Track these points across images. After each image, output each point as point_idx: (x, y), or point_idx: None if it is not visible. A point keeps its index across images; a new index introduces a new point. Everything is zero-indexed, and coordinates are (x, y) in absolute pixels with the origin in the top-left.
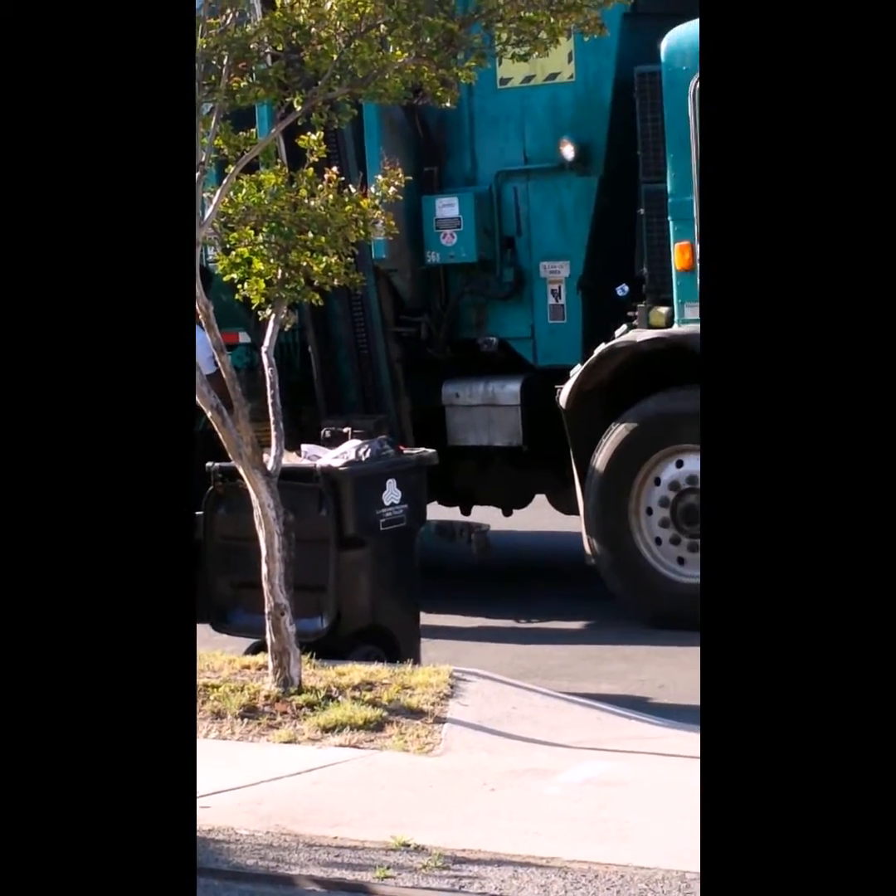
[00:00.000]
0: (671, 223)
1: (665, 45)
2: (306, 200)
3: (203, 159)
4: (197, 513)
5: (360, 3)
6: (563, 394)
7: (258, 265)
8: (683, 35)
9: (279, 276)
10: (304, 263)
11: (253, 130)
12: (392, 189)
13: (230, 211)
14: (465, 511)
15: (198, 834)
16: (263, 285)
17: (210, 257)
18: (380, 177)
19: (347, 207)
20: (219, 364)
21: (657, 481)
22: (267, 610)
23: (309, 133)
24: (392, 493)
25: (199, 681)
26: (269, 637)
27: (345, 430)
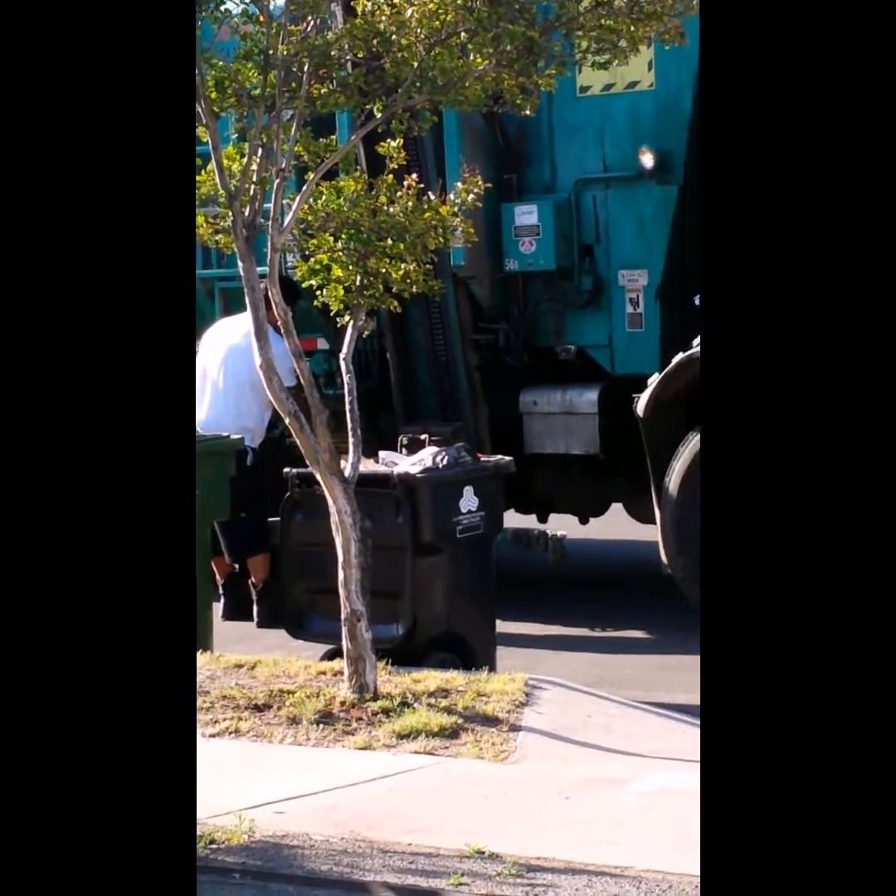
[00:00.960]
0: None
1: None
2: (385, 207)
3: (283, 166)
4: (273, 519)
5: (440, 11)
6: (641, 402)
7: (337, 272)
8: None
9: (358, 283)
10: (383, 270)
11: (333, 137)
12: (471, 196)
13: (309, 217)
14: (542, 519)
15: (272, 839)
16: (342, 292)
17: (289, 264)
18: (459, 184)
19: (426, 214)
20: (298, 371)
21: None
22: (343, 616)
23: (389, 140)
24: (469, 501)
25: (276, 686)
26: (345, 643)
27: (422, 437)
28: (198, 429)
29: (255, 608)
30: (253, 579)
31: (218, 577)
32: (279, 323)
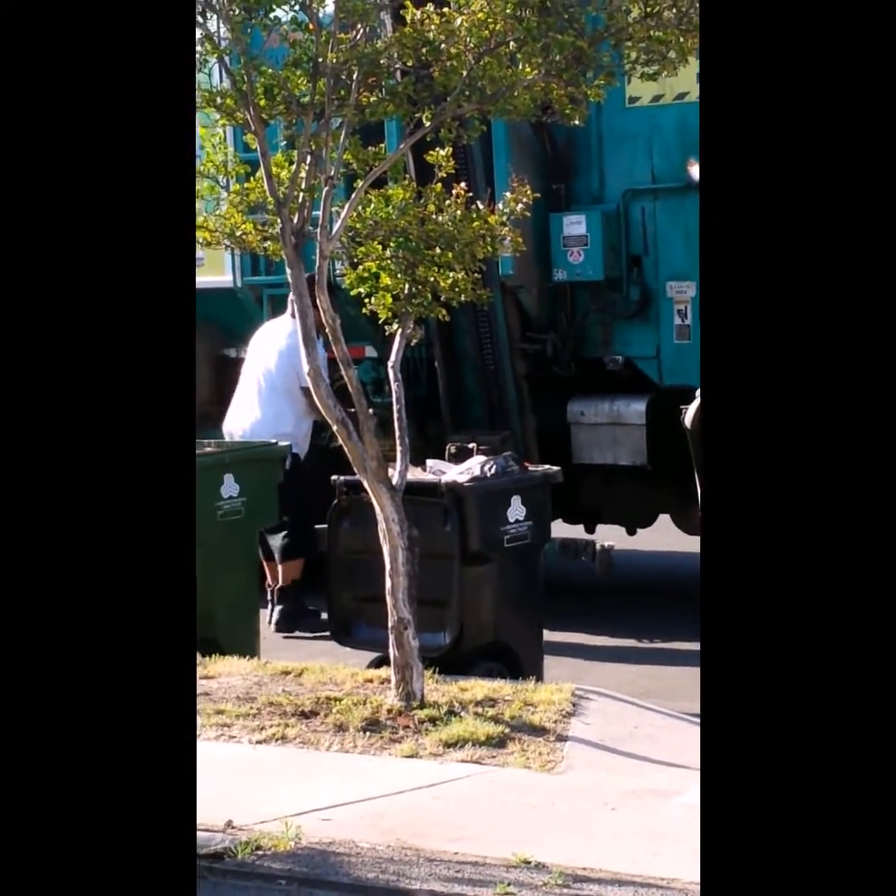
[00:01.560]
0: None
1: None
2: (434, 216)
3: (332, 173)
4: (320, 526)
5: (490, 21)
6: (688, 414)
7: (385, 280)
8: None
9: (406, 291)
10: (432, 279)
11: (382, 145)
12: (520, 206)
13: (358, 225)
14: (590, 529)
15: (318, 846)
16: (390, 300)
17: (338, 271)
18: (508, 193)
19: (475, 223)
20: (346, 379)
21: None
22: (390, 624)
23: (437, 148)
24: (517, 510)
25: (322, 693)
26: (392, 651)
27: (470, 445)
28: (239, 434)
29: (272, 612)
30: (272, 582)
31: (269, 582)
32: (327, 329)
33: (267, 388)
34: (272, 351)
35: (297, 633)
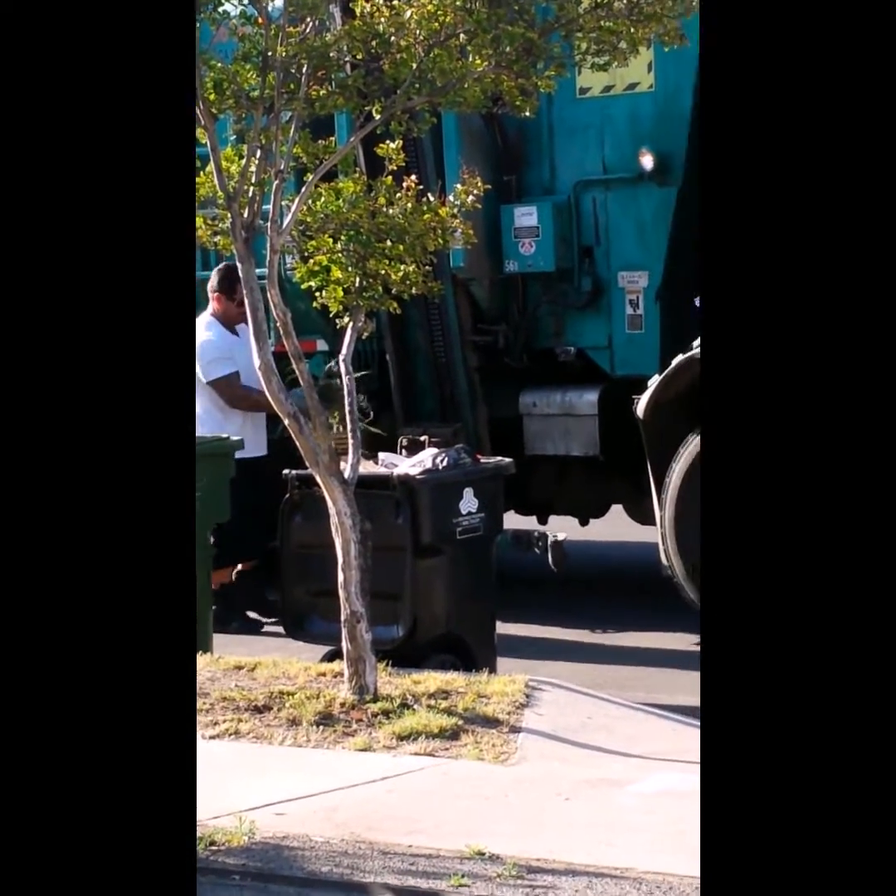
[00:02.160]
0: None
1: None
2: (385, 209)
3: (282, 167)
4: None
5: (439, 13)
6: (641, 404)
7: (336, 273)
8: None
9: (357, 284)
10: (383, 271)
11: (332, 139)
12: (470, 198)
13: (308, 219)
14: (542, 520)
15: (272, 840)
16: (341, 293)
17: (288, 265)
18: (458, 185)
19: (426, 216)
20: (297, 373)
21: None
22: (343, 617)
23: (388, 141)
24: (469, 502)
25: (276, 688)
26: (345, 644)
27: (422, 438)
28: None
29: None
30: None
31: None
32: (277, 324)
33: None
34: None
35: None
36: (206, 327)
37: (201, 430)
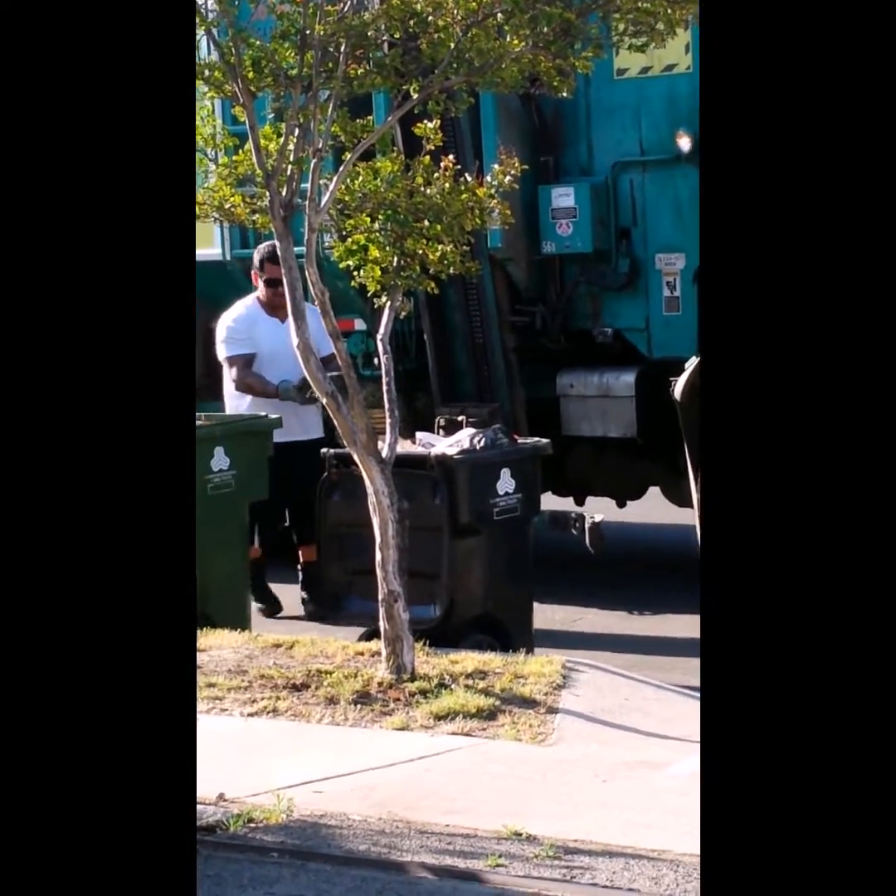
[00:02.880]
0: None
1: None
2: (422, 188)
3: (320, 146)
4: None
5: None
6: (678, 386)
7: (374, 252)
8: None
9: (395, 264)
10: (420, 251)
11: (370, 118)
12: (508, 178)
13: (346, 198)
14: (579, 502)
15: (310, 818)
16: (379, 273)
17: (326, 244)
18: (496, 166)
19: (463, 196)
20: (335, 351)
21: None
22: (380, 597)
23: (425, 121)
24: (506, 483)
25: (313, 666)
26: (382, 624)
27: (459, 418)
28: None
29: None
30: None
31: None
32: (316, 302)
33: None
34: None
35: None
36: (238, 306)
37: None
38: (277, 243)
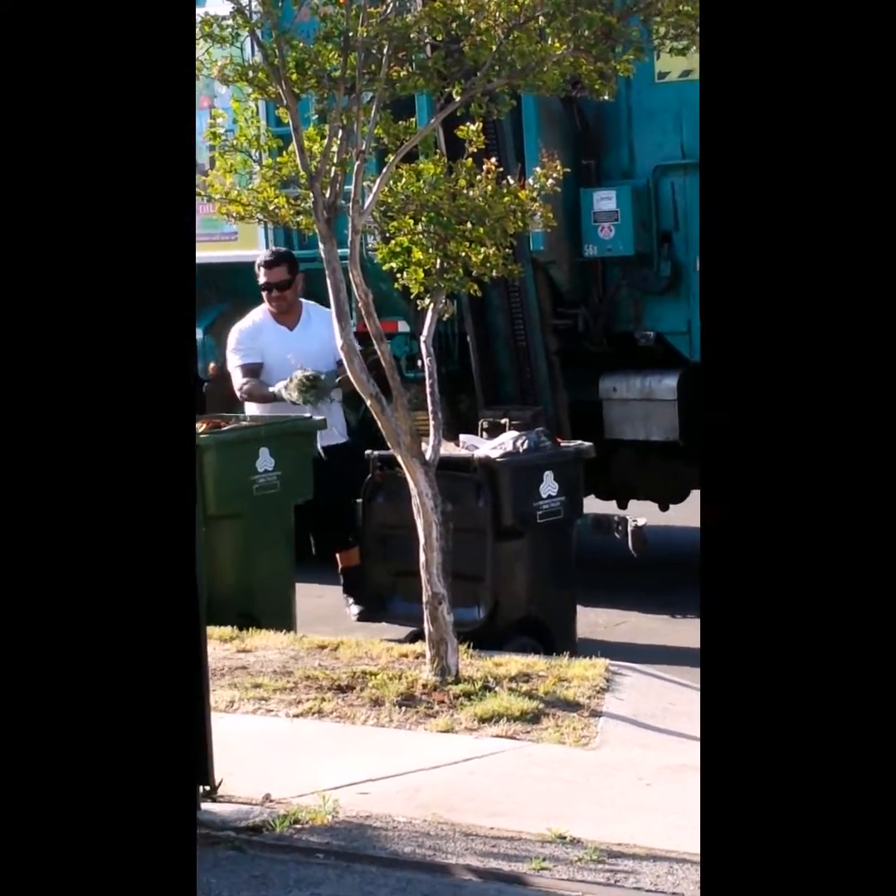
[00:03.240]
0: None
1: None
2: (465, 191)
3: (363, 148)
4: (356, 501)
5: None
6: None
7: (417, 254)
8: None
9: (438, 266)
10: (463, 254)
11: (412, 120)
12: (550, 181)
13: (390, 200)
14: (622, 505)
15: (356, 820)
16: (422, 275)
17: (370, 246)
18: (538, 169)
19: (506, 198)
20: (379, 354)
21: None
22: (424, 599)
23: (468, 123)
24: (549, 485)
25: (358, 668)
26: (426, 626)
27: (503, 420)
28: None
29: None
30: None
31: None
32: (359, 304)
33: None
34: None
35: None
36: (248, 315)
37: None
38: (320, 245)
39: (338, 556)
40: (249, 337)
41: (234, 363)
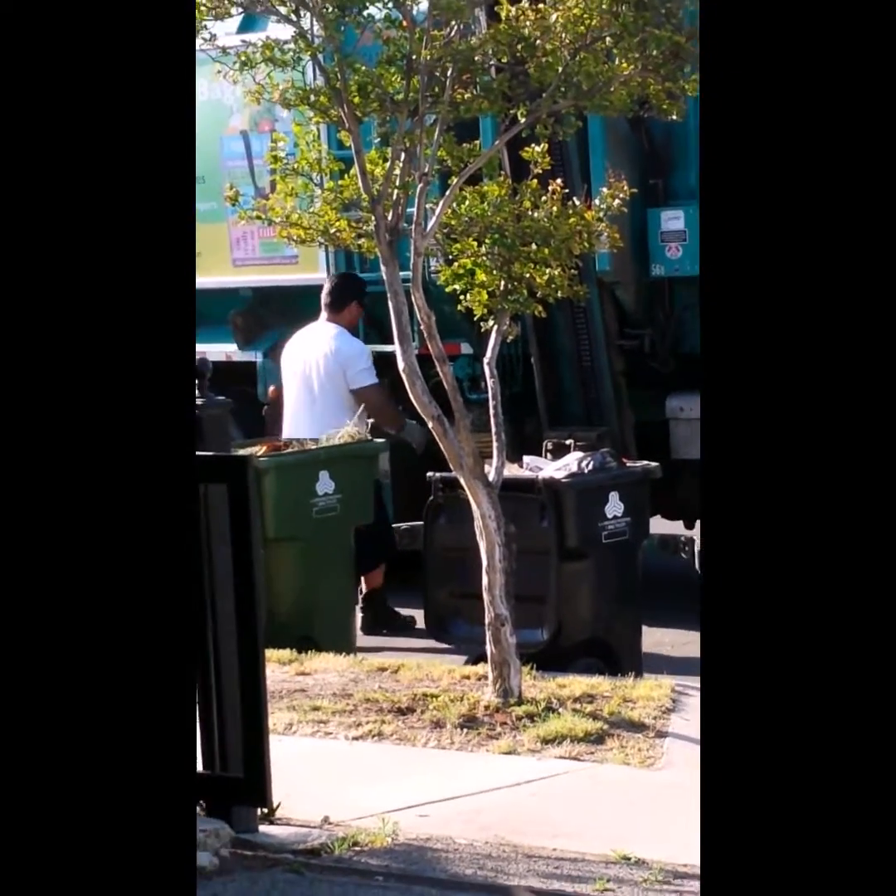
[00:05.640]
0: None
1: None
2: (530, 212)
3: (426, 170)
4: (417, 523)
5: (585, 16)
6: None
7: (481, 276)
8: None
9: (502, 288)
10: (527, 275)
11: (476, 142)
12: (617, 201)
13: (453, 222)
14: (689, 525)
15: (415, 842)
16: (486, 296)
17: (432, 268)
18: (604, 189)
19: (571, 219)
20: (441, 376)
21: None
22: (487, 620)
23: (533, 145)
24: (615, 506)
25: (419, 690)
26: (489, 647)
27: (567, 441)
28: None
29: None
30: (363, 588)
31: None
32: (422, 326)
33: (317, 392)
34: (319, 354)
35: (385, 633)
36: (341, 334)
37: (311, 431)
38: (383, 267)
39: (363, 578)
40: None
41: (372, 381)
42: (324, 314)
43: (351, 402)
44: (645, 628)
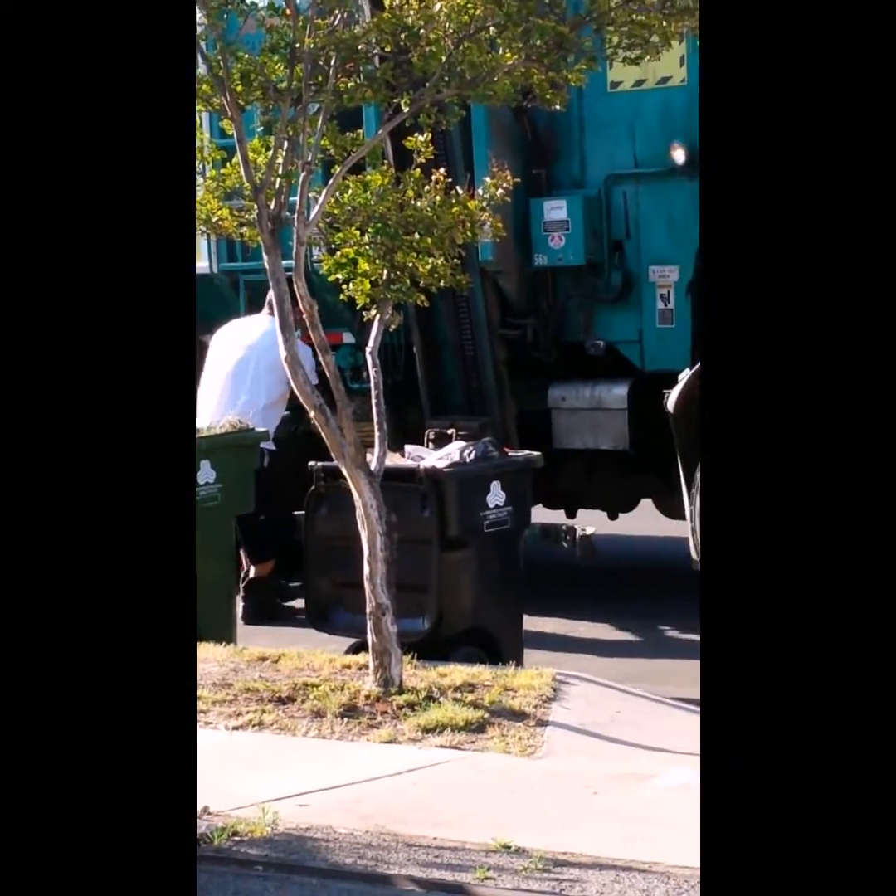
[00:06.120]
0: None
1: None
2: (413, 201)
3: (309, 159)
4: (298, 512)
5: (469, 5)
6: (671, 399)
7: (363, 266)
8: None
9: (384, 277)
10: (410, 264)
11: (360, 131)
12: (500, 191)
13: (336, 211)
14: (571, 515)
15: (296, 832)
16: (368, 286)
17: (315, 257)
18: (487, 179)
19: (454, 209)
20: (323, 365)
21: None
22: (368, 610)
23: (416, 134)
24: (496, 495)
25: (300, 679)
26: (370, 637)
27: (449, 431)
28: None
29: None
30: (247, 573)
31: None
32: (304, 316)
33: (249, 382)
34: (261, 346)
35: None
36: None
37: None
38: (265, 256)
39: (253, 565)
40: None
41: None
42: (267, 308)
43: (283, 397)
44: (526, 617)
